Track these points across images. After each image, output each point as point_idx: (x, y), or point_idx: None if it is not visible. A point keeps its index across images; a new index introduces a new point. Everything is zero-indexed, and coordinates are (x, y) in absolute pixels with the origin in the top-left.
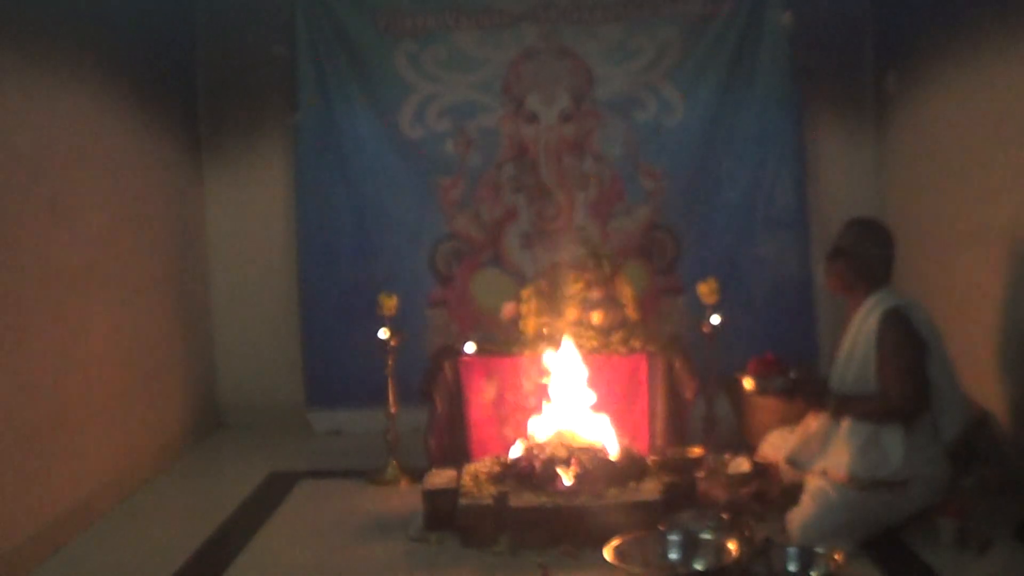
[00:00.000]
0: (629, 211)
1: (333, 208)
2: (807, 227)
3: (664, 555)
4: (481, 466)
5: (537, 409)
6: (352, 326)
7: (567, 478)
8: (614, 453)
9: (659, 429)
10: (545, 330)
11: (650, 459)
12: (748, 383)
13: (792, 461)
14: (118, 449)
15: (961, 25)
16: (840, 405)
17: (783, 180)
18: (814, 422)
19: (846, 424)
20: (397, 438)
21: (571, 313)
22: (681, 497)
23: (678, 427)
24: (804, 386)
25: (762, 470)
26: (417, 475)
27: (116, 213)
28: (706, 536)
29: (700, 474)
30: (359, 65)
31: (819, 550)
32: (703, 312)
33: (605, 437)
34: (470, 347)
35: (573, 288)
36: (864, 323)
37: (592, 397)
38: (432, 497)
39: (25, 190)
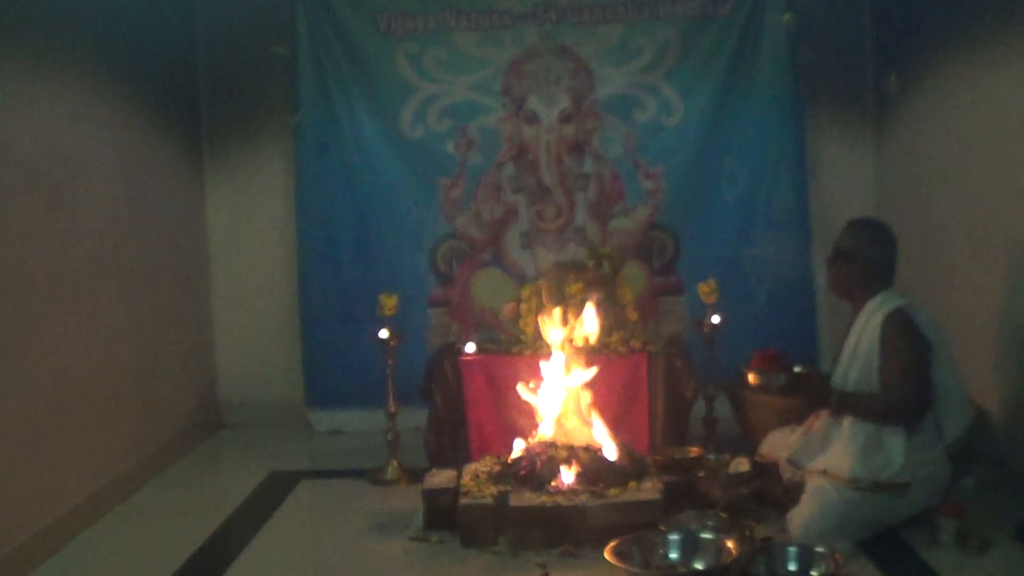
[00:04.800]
0: (629, 211)
1: (333, 208)
2: (807, 227)
3: (664, 555)
4: (481, 466)
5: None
6: (352, 326)
7: (567, 478)
8: (614, 453)
9: (659, 429)
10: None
11: (650, 459)
12: (751, 377)
13: (793, 461)
14: (118, 449)
15: (961, 26)
16: (842, 402)
17: (783, 180)
18: (816, 422)
19: (847, 424)
20: (397, 438)
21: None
22: (681, 497)
23: (678, 427)
24: (806, 383)
25: (762, 470)
26: (417, 475)
27: (116, 213)
28: (706, 536)
29: (700, 474)
30: (360, 66)
31: (819, 550)
32: (703, 312)
33: (605, 437)
34: (470, 347)
35: (573, 288)
36: (867, 324)
37: (591, 397)
38: (432, 497)
39: (25, 191)
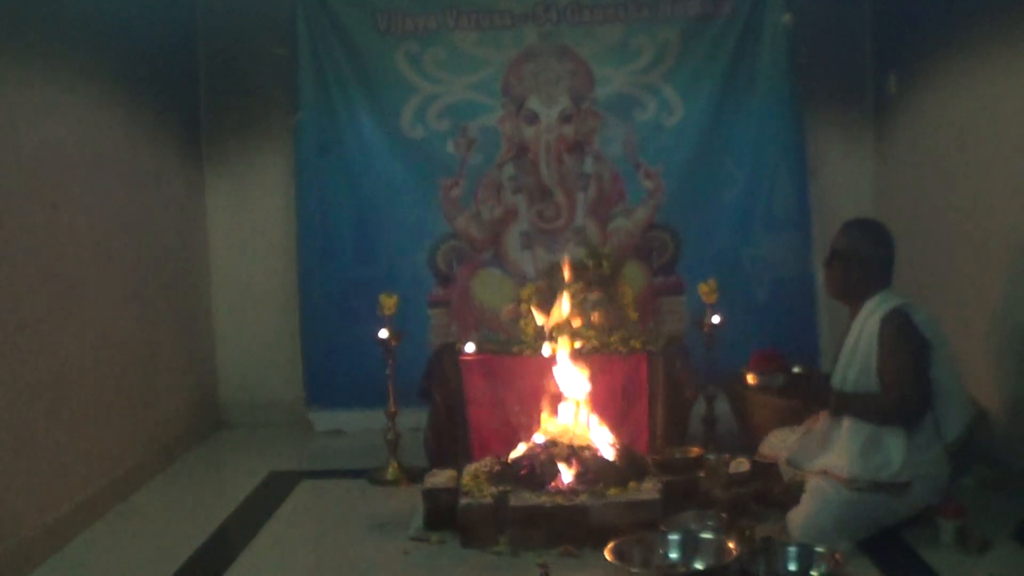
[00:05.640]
0: (629, 211)
1: (333, 208)
2: (807, 227)
3: (664, 555)
4: (481, 466)
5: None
6: (352, 326)
7: (567, 478)
8: (614, 453)
9: (659, 429)
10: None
11: (650, 459)
12: (751, 377)
13: (793, 461)
14: (118, 449)
15: (961, 26)
16: (841, 402)
17: (783, 180)
18: (815, 422)
19: (847, 424)
20: (397, 438)
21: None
22: (681, 497)
23: (678, 427)
24: (805, 383)
25: (762, 470)
26: (417, 475)
27: (116, 213)
28: (706, 536)
29: (700, 474)
30: (359, 66)
31: (819, 549)
32: (703, 312)
33: (605, 437)
34: (470, 347)
35: (573, 288)
36: (865, 324)
37: (591, 397)
38: (432, 497)
39: (25, 191)
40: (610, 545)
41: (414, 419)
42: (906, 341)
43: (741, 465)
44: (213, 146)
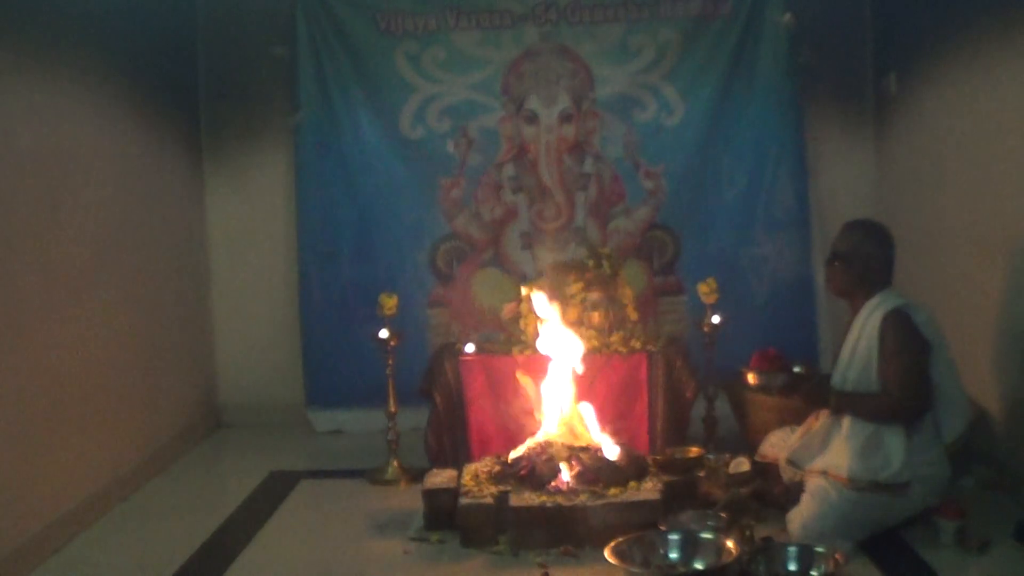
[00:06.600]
0: (629, 211)
1: (333, 208)
2: (807, 227)
3: (664, 555)
4: (481, 466)
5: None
6: (352, 326)
7: (567, 478)
8: (614, 453)
9: (659, 429)
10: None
11: (650, 459)
12: (751, 378)
13: (792, 461)
14: (118, 449)
15: (961, 26)
16: (842, 401)
17: (783, 180)
18: (816, 422)
19: (847, 424)
20: (397, 438)
21: (571, 313)
22: (681, 497)
23: (678, 427)
24: (806, 383)
25: (762, 470)
26: (417, 475)
27: (116, 213)
28: (706, 536)
29: (700, 474)
30: (359, 65)
31: (819, 549)
32: (703, 312)
33: (604, 437)
34: (470, 347)
35: (573, 288)
36: (866, 325)
37: (591, 396)
38: (432, 497)
39: (25, 190)
40: (610, 545)
41: (414, 419)
42: (907, 341)
43: (741, 465)
44: (213, 146)
